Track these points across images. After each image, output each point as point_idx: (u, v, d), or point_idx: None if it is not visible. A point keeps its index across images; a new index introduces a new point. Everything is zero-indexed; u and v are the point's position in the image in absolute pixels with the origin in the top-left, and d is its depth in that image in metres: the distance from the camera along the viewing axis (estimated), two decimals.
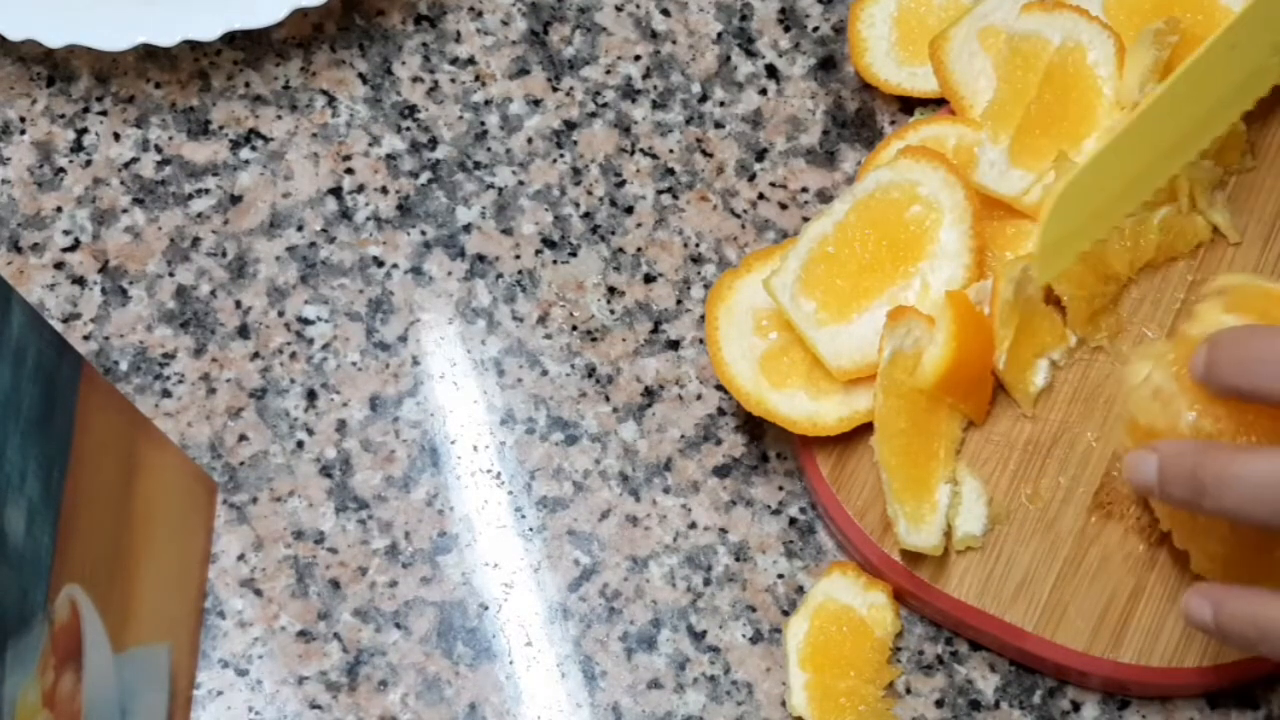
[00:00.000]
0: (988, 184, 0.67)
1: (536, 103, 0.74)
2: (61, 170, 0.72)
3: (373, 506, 0.67)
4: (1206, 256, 0.68)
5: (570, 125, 0.73)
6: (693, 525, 0.67)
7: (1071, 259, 0.66)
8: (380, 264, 0.71)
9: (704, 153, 0.73)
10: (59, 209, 0.72)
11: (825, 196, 0.72)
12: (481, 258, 0.71)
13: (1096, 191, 0.65)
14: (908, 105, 0.73)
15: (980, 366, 0.65)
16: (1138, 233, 0.67)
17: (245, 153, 0.73)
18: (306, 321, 0.70)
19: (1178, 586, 0.63)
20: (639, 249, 0.71)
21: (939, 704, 0.64)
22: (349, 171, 0.72)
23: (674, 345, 0.70)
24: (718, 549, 0.67)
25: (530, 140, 0.73)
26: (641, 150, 0.73)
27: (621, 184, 0.72)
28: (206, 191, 0.72)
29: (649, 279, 0.71)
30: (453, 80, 0.74)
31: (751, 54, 0.75)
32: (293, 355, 0.69)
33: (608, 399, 0.69)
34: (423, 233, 0.71)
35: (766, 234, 0.71)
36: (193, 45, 0.74)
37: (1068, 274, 0.66)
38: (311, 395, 0.69)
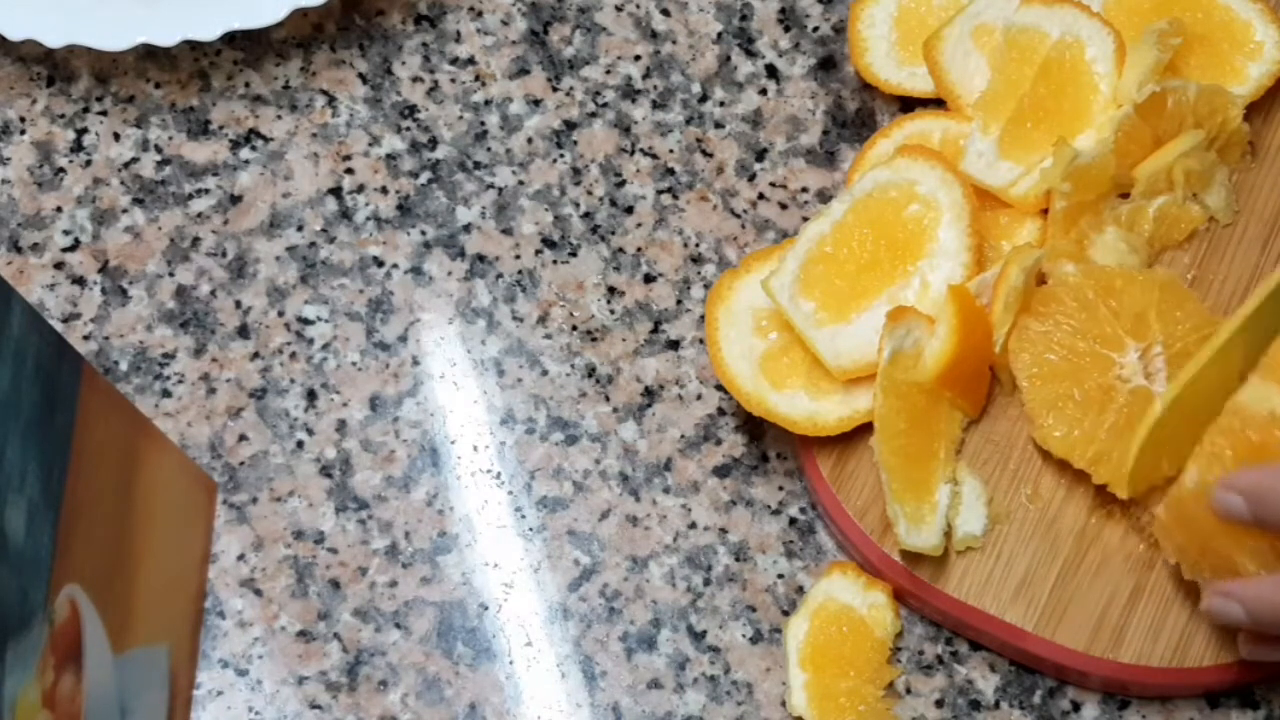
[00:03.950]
0: (974, 174, 0.67)
1: (536, 103, 0.74)
2: (61, 170, 0.72)
3: (373, 506, 0.67)
4: (1207, 255, 0.68)
5: (570, 125, 0.73)
6: (693, 525, 0.67)
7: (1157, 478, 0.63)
8: (380, 264, 0.71)
9: (704, 153, 0.73)
10: (59, 209, 0.72)
11: (825, 196, 0.72)
12: (481, 258, 0.71)
13: (1188, 416, 0.61)
14: (908, 105, 0.73)
15: (979, 360, 0.65)
16: (1133, 222, 0.67)
17: (245, 153, 0.73)
18: (306, 321, 0.70)
19: (1178, 586, 0.63)
20: (639, 249, 0.71)
21: (939, 704, 0.64)
22: (349, 171, 0.72)
23: (674, 345, 0.70)
24: (718, 549, 0.67)
25: (530, 140, 0.73)
26: (641, 150, 0.73)
27: (621, 184, 0.72)
28: (206, 191, 0.72)
29: (649, 279, 0.71)
30: (453, 80, 0.74)
31: (751, 54, 0.75)
32: (293, 355, 0.69)
33: (608, 399, 0.69)
34: (423, 233, 0.71)
35: (766, 234, 0.71)
36: (193, 45, 0.74)
37: (1060, 255, 0.66)
38: (311, 395, 0.69)
